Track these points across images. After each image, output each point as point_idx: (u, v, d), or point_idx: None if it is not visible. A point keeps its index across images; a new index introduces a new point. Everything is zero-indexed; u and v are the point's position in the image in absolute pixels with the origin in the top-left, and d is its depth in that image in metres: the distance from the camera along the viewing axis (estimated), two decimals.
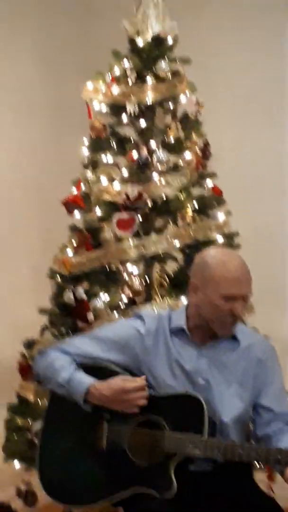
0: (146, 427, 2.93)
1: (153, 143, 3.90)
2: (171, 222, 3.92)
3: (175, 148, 3.95)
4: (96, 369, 3.04)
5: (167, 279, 3.91)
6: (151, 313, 3.17)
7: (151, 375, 3.00)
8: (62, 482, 3.04)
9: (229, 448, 2.80)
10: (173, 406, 2.92)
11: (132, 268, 3.86)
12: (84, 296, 3.80)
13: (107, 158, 3.97)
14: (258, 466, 3.57)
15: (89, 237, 3.88)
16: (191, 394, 2.90)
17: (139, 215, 3.84)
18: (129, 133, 4.03)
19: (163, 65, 3.93)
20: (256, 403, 2.99)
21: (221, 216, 3.98)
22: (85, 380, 2.98)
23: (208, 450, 2.81)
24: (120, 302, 3.85)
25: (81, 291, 3.79)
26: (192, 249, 3.89)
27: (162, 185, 3.87)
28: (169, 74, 3.95)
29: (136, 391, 2.92)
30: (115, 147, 4.00)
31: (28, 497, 4.12)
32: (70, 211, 3.95)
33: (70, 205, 3.93)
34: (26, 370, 3.92)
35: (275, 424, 2.95)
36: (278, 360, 3.10)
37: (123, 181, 3.88)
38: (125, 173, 3.89)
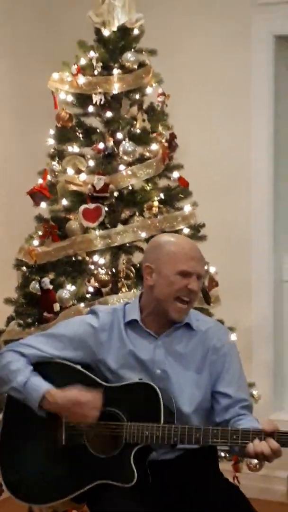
0: (104, 419, 2.91)
1: (119, 134, 3.91)
2: (137, 213, 3.93)
3: (142, 139, 3.95)
4: (53, 365, 3.03)
5: (133, 270, 3.92)
6: (105, 308, 3.17)
7: (108, 369, 3.01)
8: (23, 481, 3.02)
9: (186, 433, 2.80)
10: (129, 396, 2.93)
11: (99, 259, 3.86)
12: (50, 287, 3.79)
13: (73, 148, 3.96)
14: (223, 455, 3.61)
15: (55, 228, 3.87)
16: (145, 382, 2.91)
17: (105, 206, 3.84)
18: (96, 123, 4.03)
19: (129, 56, 3.93)
20: (214, 390, 3.00)
21: (187, 207, 3.98)
22: (41, 386, 2.94)
23: (166, 436, 2.81)
24: (86, 293, 3.84)
25: (47, 282, 3.78)
26: None
27: (128, 176, 3.87)
28: (135, 65, 3.94)
29: (90, 404, 2.89)
30: (81, 137, 4.00)
31: None
32: (36, 202, 3.94)
33: (36, 195, 3.92)
34: None
35: (233, 410, 2.96)
36: (234, 345, 3.12)
37: (90, 171, 3.87)
38: (92, 163, 3.89)
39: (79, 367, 3.01)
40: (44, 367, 3.02)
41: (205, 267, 3.07)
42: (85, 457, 2.92)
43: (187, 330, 3.04)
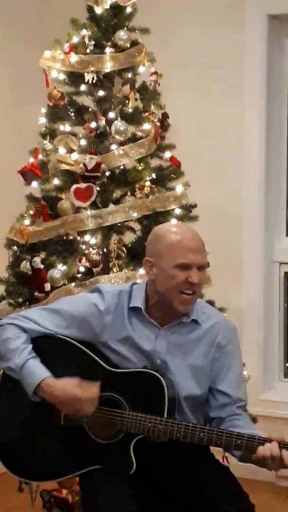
0: (105, 404, 2.88)
1: (111, 113, 3.89)
2: (129, 193, 3.92)
3: (134, 119, 3.93)
4: (55, 340, 2.97)
5: (124, 250, 3.90)
6: (112, 289, 3.08)
7: (110, 351, 2.97)
8: (19, 457, 2.99)
9: (190, 431, 2.79)
10: (133, 383, 2.90)
11: (90, 239, 3.85)
12: (41, 266, 3.77)
13: (65, 127, 3.94)
14: None
15: (47, 207, 3.85)
16: (150, 371, 2.88)
17: (97, 186, 3.82)
18: (88, 102, 4.00)
19: (122, 35, 3.90)
20: (213, 387, 2.98)
21: (179, 187, 3.97)
22: (39, 372, 2.86)
23: (169, 432, 2.80)
24: (77, 273, 3.83)
25: (38, 261, 3.77)
26: (150, 220, 3.88)
27: (120, 156, 3.86)
28: (127, 44, 3.92)
29: (88, 401, 2.83)
30: (73, 116, 3.98)
31: None
32: (27, 181, 3.92)
33: (27, 174, 3.90)
34: None
35: (229, 408, 2.96)
36: (238, 343, 3.08)
37: (81, 151, 3.85)
38: (83, 142, 3.87)
39: (82, 346, 2.96)
40: (46, 341, 2.96)
41: (206, 256, 2.96)
42: (83, 440, 2.89)
43: (193, 323, 2.99)
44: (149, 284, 3.00)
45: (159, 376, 2.85)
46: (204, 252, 2.95)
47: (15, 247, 3.92)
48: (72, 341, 2.97)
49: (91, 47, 3.89)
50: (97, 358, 2.94)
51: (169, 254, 2.89)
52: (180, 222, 3.84)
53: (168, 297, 2.91)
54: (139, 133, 3.95)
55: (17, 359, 2.89)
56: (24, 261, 3.85)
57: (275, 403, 4.80)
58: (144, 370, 2.90)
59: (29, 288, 3.82)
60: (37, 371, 2.87)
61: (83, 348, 2.96)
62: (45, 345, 2.96)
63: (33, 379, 2.85)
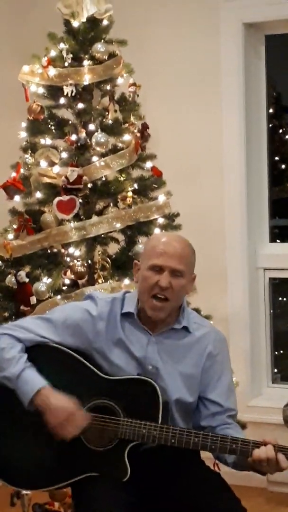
0: (100, 411, 2.89)
1: (91, 125, 3.90)
2: (111, 204, 3.93)
3: (114, 130, 3.95)
4: (49, 349, 2.98)
5: (109, 261, 3.92)
6: (104, 296, 3.11)
7: (104, 359, 2.98)
8: (13, 465, 2.98)
9: (184, 436, 2.81)
10: (126, 390, 2.91)
11: (74, 251, 3.85)
12: (27, 280, 3.78)
13: (45, 141, 3.95)
14: None
15: (30, 221, 3.86)
16: (144, 378, 2.90)
17: (79, 198, 3.83)
18: (67, 115, 4.02)
19: (99, 47, 3.92)
20: (204, 396, 3.01)
21: (161, 197, 3.99)
22: (36, 381, 2.88)
23: (163, 437, 2.82)
24: (62, 285, 3.84)
25: (23, 275, 3.77)
26: (134, 230, 3.91)
27: (101, 167, 3.87)
28: (105, 56, 3.94)
29: (77, 423, 2.84)
30: (53, 129, 3.99)
31: None
32: (10, 195, 3.93)
33: (9, 189, 3.91)
34: None
35: (220, 417, 2.98)
36: (228, 353, 3.11)
37: (63, 163, 3.87)
38: (64, 155, 3.88)
39: (75, 354, 2.97)
40: (40, 350, 2.97)
41: (186, 266, 2.96)
42: (77, 447, 2.89)
43: (184, 331, 3.02)
44: (137, 289, 3.03)
45: (154, 383, 2.87)
46: (182, 259, 2.95)
47: None
48: (66, 349, 2.98)
49: (69, 60, 3.91)
50: (91, 366, 2.95)
51: (147, 256, 2.96)
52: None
53: (142, 300, 2.96)
54: (120, 144, 3.97)
55: (13, 368, 2.90)
56: (9, 276, 3.86)
57: (263, 409, 4.81)
58: (138, 377, 2.92)
59: (15, 302, 3.82)
60: (34, 380, 2.88)
61: (77, 356, 2.97)
62: (39, 354, 2.96)
63: (31, 388, 2.86)
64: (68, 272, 3.86)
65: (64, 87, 3.90)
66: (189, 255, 2.99)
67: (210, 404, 3.00)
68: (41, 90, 3.99)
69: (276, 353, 5.14)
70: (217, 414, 2.98)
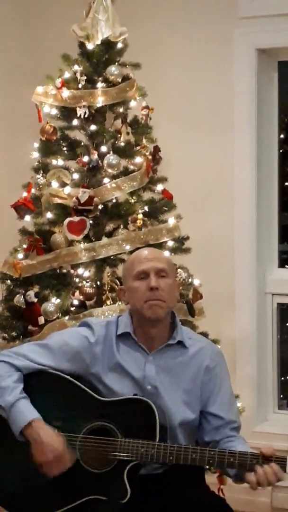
0: (97, 434, 2.89)
1: (103, 147, 3.91)
2: (122, 226, 3.94)
3: (126, 152, 3.96)
4: (45, 375, 2.99)
5: (118, 282, 3.91)
6: (99, 321, 3.15)
7: (100, 383, 3.00)
8: (13, 493, 2.98)
9: (182, 453, 2.81)
10: (123, 411, 2.91)
11: (83, 272, 3.86)
12: (35, 300, 3.79)
13: (57, 161, 3.97)
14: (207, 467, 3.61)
15: (40, 241, 3.87)
16: (140, 398, 2.91)
17: (90, 219, 3.84)
18: (80, 137, 4.03)
19: (113, 70, 3.94)
20: (205, 410, 3.01)
21: (171, 220, 4.00)
22: (29, 412, 2.88)
23: (161, 455, 2.81)
24: (71, 306, 3.84)
25: (32, 295, 3.78)
26: None
27: (112, 189, 3.88)
28: (119, 79, 3.96)
29: (63, 463, 2.86)
30: (65, 150, 4.01)
31: None
32: (20, 215, 3.94)
33: (20, 208, 3.93)
34: None
35: (224, 431, 2.99)
36: (226, 366, 3.12)
37: (74, 184, 3.88)
38: (76, 176, 3.90)
39: (71, 378, 2.98)
40: (36, 377, 2.98)
41: (168, 266, 3.07)
42: (76, 471, 2.89)
43: (180, 347, 3.05)
44: (129, 310, 3.08)
45: (149, 402, 2.88)
46: (162, 259, 3.08)
47: (8, 281, 3.94)
48: (63, 374, 2.99)
49: (83, 82, 3.92)
50: (87, 389, 2.96)
51: (129, 271, 3.05)
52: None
53: (139, 310, 2.99)
54: (131, 167, 3.98)
55: (8, 397, 2.90)
56: (18, 295, 3.86)
57: (269, 435, 4.77)
58: (134, 397, 2.93)
59: (23, 322, 3.83)
60: (26, 411, 2.89)
61: (73, 380, 2.98)
62: (36, 380, 2.98)
63: (22, 419, 2.87)
64: (77, 293, 3.86)
65: (77, 108, 3.91)
66: (167, 257, 3.15)
67: (212, 418, 3.01)
68: (54, 111, 4.01)
69: (283, 378, 5.12)
70: (219, 428, 2.99)
